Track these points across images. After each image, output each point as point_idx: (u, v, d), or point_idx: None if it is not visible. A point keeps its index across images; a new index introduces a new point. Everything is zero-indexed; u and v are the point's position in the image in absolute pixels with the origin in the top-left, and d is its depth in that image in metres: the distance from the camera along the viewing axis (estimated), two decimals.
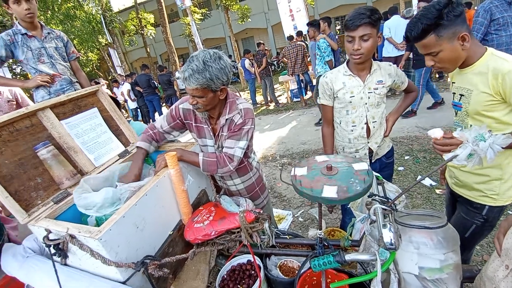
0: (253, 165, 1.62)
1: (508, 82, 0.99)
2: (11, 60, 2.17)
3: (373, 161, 1.68)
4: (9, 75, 7.75)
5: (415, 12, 6.70)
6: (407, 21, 5.72)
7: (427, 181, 2.84)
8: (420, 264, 0.80)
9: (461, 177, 1.30)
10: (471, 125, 1.18)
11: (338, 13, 18.61)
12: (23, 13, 1.96)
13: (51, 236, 1.02)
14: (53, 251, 1.02)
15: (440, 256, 0.79)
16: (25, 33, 2.03)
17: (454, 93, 1.26)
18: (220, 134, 1.43)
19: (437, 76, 6.46)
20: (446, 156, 0.89)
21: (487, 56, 1.09)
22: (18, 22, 2.04)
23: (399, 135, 4.12)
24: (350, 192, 0.80)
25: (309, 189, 0.84)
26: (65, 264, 1.10)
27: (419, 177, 2.63)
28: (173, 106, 1.51)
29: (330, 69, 5.26)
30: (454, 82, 1.27)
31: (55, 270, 0.98)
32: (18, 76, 12.27)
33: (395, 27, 5.49)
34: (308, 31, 5.44)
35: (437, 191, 2.69)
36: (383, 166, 1.71)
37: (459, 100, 1.22)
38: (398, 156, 3.53)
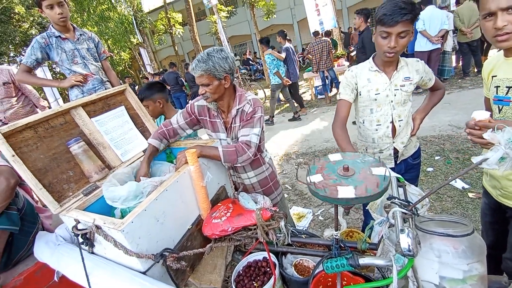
0: (265, 160, 1.68)
1: None
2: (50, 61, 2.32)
3: (398, 162, 1.60)
4: (49, 74, 8.35)
5: (452, 1, 6.27)
6: (443, 11, 5.38)
7: (459, 184, 2.67)
8: (441, 273, 0.76)
9: (511, 187, 1.18)
10: None
11: (368, 5, 17.87)
12: (56, 17, 2.08)
13: (79, 226, 1.10)
14: (81, 240, 1.10)
15: (464, 267, 0.74)
16: (59, 36, 2.16)
17: (497, 87, 1.14)
18: (232, 126, 1.52)
19: (475, 70, 6.01)
20: (475, 160, 0.83)
21: None
22: (52, 25, 2.17)
23: (430, 134, 3.89)
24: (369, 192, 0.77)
25: (322, 190, 0.82)
26: (92, 253, 1.17)
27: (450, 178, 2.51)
28: (189, 104, 1.63)
29: (280, 79, 5.80)
30: (495, 76, 1.16)
31: (82, 258, 1.05)
32: (58, 75, 13.18)
33: (429, 19, 5.12)
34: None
35: (470, 194, 2.51)
36: (409, 167, 1.63)
37: (506, 93, 1.10)
38: (428, 156, 3.35)
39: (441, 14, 5.15)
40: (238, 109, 1.48)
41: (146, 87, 2.02)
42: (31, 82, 2.29)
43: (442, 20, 5.11)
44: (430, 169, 3.08)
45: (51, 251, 1.23)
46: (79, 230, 1.09)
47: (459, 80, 5.89)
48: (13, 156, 1.15)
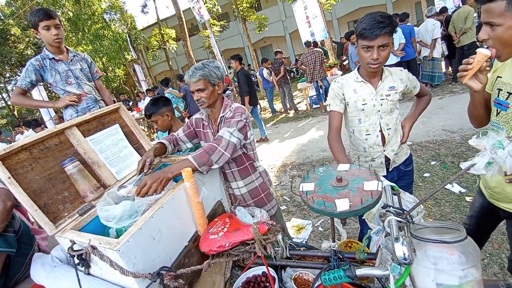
0: (258, 170, 1.69)
1: None
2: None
3: (390, 169, 1.62)
4: (44, 93, 8.39)
5: (437, 10, 6.50)
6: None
7: (456, 188, 2.68)
8: (438, 280, 0.76)
9: (496, 188, 1.17)
10: None
11: (357, 16, 18.33)
12: (51, 38, 2.11)
13: (75, 247, 1.08)
14: (77, 261, 1.09)
15: (459, 272, 0.75)
16: (53, 58, 2.19)
17: (500, 90, 1.11)
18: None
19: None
20: (463, 165, 0.85)
21: None
22: (45, 48, 2.20)
23: (424, 139, 3.94)
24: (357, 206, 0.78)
25: (313, 202, 0.84)
26: (89, 274, 1.15)
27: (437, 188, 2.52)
28: (190, 118, 1.73)
29: (180, 113, 6.49)
30: (500, 77, 1.13)
31: (78, 279, 1.04)
32: (54, 94, 13.23)
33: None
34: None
35: (467, 198, 2.53)
36: (402, 174, 1.64)
37: (506, 98, 1.08)
38: (424, 161, 3.37)
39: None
40: (222, 116, 1.58)
41: (152, 103, 2.05)
42: (26, 104, 2.30)
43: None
44: (427, 174, 3.10)
45: (47, 273, 1.21)
46: (75, 251, 1.08)
47: (450, 86, 6.00)
48: (9, 178, 1.15)
